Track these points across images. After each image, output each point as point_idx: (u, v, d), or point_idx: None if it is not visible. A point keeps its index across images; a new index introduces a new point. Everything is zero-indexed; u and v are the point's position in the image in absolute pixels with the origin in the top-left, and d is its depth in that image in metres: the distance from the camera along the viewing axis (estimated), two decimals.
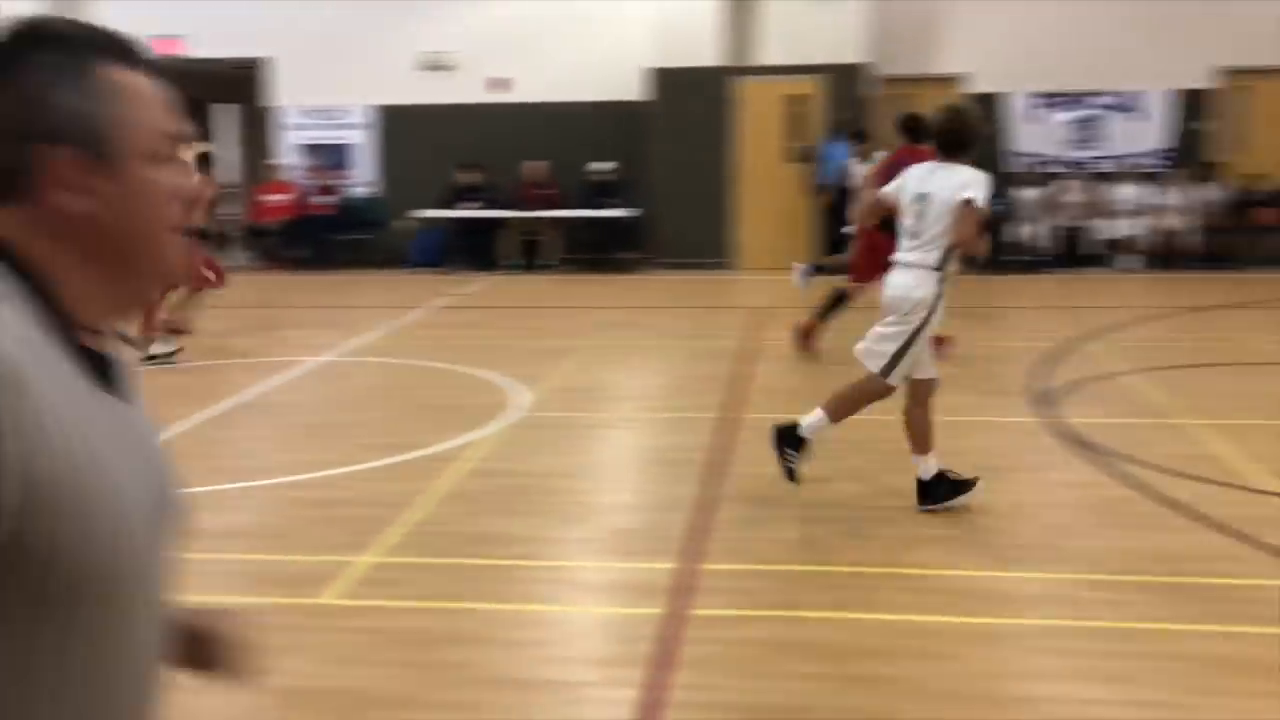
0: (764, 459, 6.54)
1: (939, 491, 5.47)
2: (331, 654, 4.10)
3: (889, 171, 6.64)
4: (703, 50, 14.54)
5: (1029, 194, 14.48)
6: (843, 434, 7.20)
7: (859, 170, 11.19)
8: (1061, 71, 14.64)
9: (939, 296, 5.36)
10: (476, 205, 15.34)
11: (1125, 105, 14.71)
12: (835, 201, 14.10)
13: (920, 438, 5.49)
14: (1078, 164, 14.61)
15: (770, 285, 13.56)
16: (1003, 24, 14.57)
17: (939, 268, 5.33)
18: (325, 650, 4.12)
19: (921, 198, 5.31)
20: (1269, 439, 6.95)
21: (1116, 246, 14.36)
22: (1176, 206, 14.14)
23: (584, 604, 4.71)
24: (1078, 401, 7.70)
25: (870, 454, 6.64)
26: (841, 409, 5.54)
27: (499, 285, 14.29)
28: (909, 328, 5.32)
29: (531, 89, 15.23)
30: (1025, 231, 14.37)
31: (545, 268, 15.29)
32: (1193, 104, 14.52)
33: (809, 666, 4.00)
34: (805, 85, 14.70)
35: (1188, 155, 14.47)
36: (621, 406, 8.04)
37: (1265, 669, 3.93)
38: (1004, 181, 14.59)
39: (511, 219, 15.36)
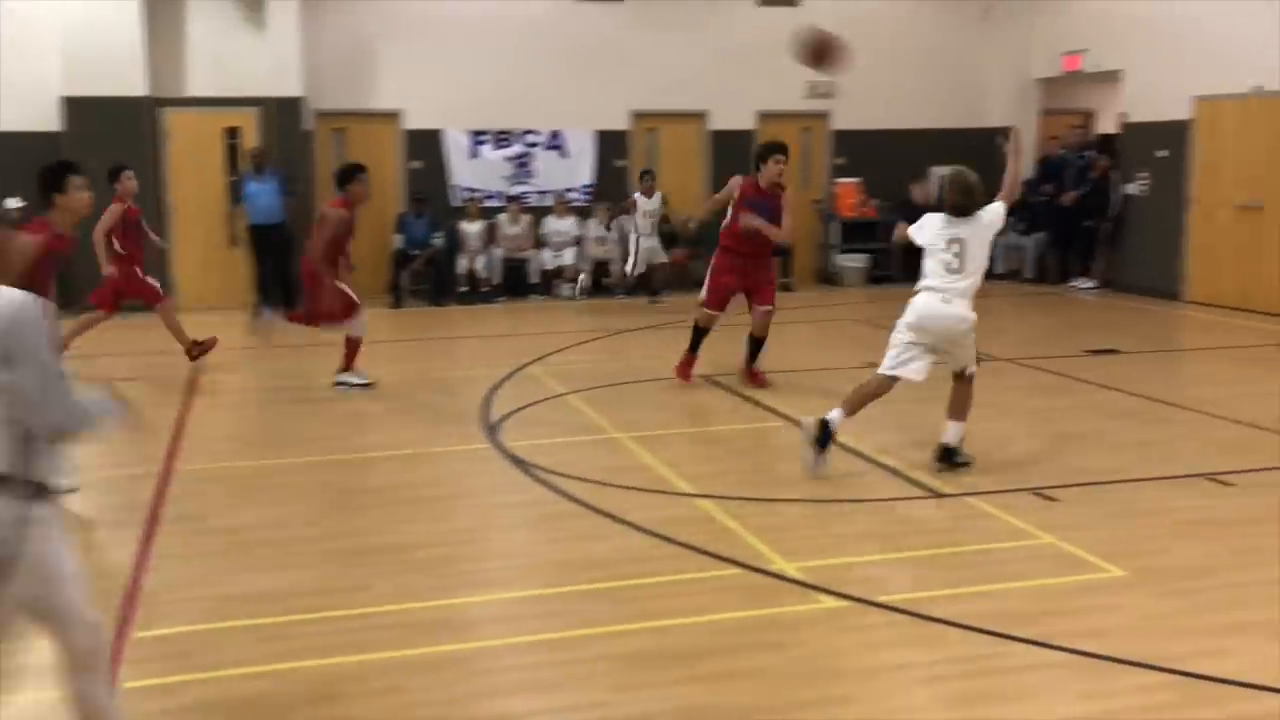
0: (204, 512, 6.22)
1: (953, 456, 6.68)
2: None
3: None
4: (126, 78, 13.59)
5: (472, 227, 14.98)
6: (283, 479, 7.03)
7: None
8: (494, 111, 15.33)
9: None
10: None
11: (554, 144, 15.70)
12: (262, 239, 13.60)
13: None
14: (514, 198, 15.35)
15: (211, 325, 12.95)
16: (433, 64, 15.00)
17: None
18: None
19: (956, 241, 6.47)
20: (682, 445, 7.73)
21: (557, 275, 15.23)
22: (600, 238, 15.30)
23: None
24: (525, 424, 8.06)
25: (308, 500, 6.54)
26: (855, 405, 6.58)
27: None
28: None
29: None
30: (470, 263, 14.84)
31: None
32: (612, 143, 15.79)
33: None
34: (240, 118, 14.22)
35: (608, 190, 15.70)
36: None
37: (683, 657, 4.33)
38: (448, 215, 15.05)
39: None
